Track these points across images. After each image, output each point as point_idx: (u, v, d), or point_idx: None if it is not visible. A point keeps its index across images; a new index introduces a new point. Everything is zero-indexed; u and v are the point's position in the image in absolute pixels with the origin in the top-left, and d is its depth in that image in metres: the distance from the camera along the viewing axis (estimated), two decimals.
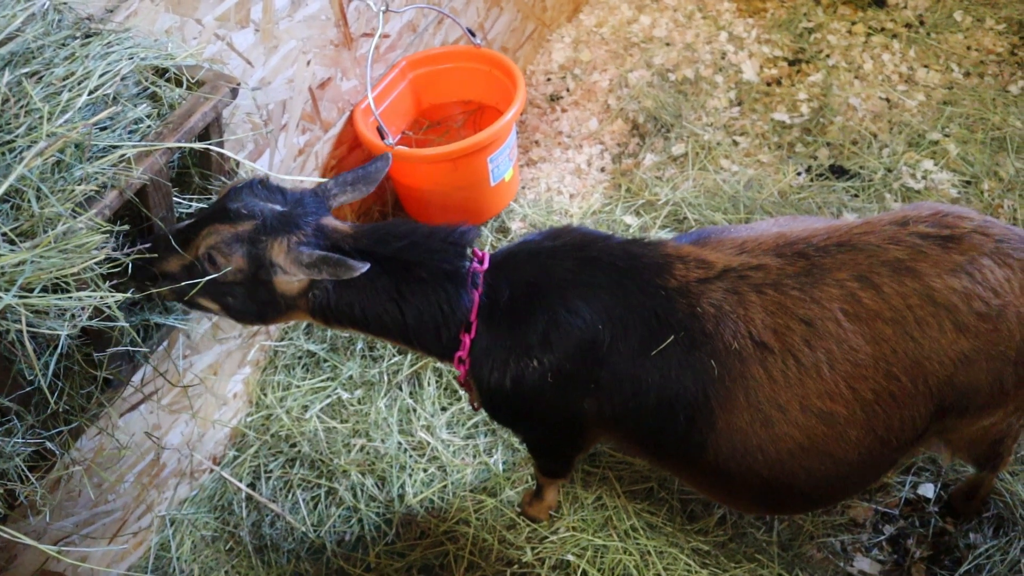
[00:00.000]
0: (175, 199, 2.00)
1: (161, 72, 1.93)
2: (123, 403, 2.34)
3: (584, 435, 2.21)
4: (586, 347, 1.94)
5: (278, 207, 1.90)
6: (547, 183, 3.60)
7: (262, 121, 2.60)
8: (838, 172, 3.48)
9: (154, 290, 1.90)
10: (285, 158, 2.76)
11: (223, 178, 2.03)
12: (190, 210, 2.05)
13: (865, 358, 1.82)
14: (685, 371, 1.89)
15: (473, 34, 3.12)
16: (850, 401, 1.83)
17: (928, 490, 2.64)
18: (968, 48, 3.95)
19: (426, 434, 2.90)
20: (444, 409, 2.97)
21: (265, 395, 2.96)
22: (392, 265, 1.94)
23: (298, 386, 2.98)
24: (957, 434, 2.04)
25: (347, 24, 2.84)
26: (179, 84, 1.92)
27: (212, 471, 2.84)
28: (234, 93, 1.95)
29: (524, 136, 3.80)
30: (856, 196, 3.37)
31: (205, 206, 2.06)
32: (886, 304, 1.81)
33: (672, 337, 1.88)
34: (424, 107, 3.36)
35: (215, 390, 2.77)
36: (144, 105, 1.86)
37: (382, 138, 2.88)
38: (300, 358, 3.04)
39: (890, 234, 1.85)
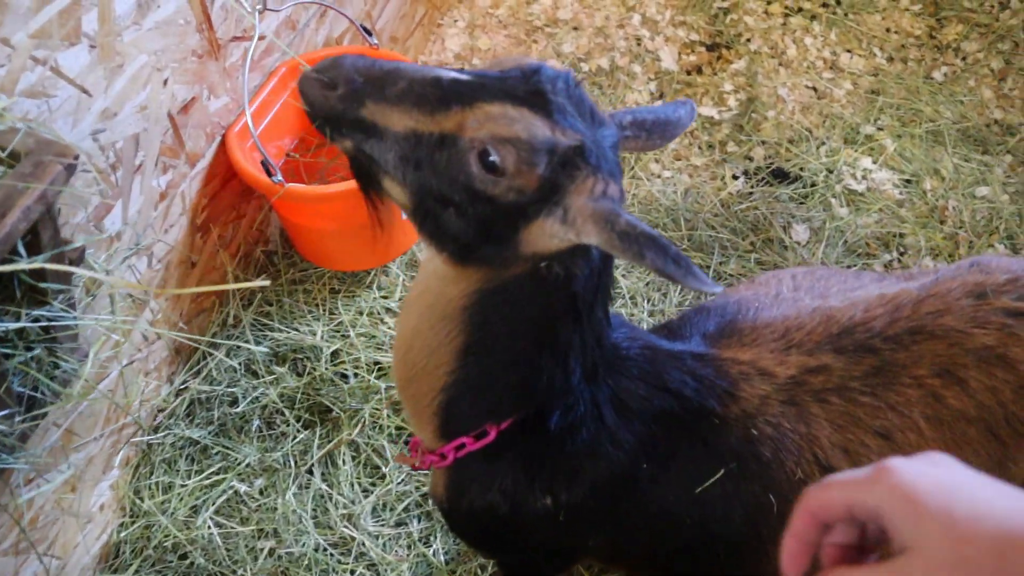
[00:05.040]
0: None
1: None
2: None
3: (575, 563, 1.80)
4: (617, 485, 1.52)
5: (588, 134, 1.22)
6: None
7: (109, 166, 1.96)
8: (780, 176, 3.18)
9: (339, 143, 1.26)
10: (143, 208, 2.13)
11: (61, 284, 1.44)
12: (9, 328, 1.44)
13: None
14: (733, 507, 1.50)
15: (369, 33, 2.56)
16: None
17: None
18: (887, 30, 3.74)
19: (348, 526, 2.40)
20: (367, 492, 2.47)
21: (141, 500, 2.35)
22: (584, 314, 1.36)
23: (183, 484, 2.39)
24: None
25: (212, 28, 2.21)
26: None
27: None
28: (70, 170, 1.35)
29: None
30: (802, 203, 3.08)
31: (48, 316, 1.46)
32: (972, 401, 1.48)
33: (722, 471, 1.48)
34: (311, 121, 2.76)
35: (75, 509, 2.15)
36: None
37: (266, 170, 2.29)
38: (182, 448, 2.44)
39: (970, 313, 1.51)
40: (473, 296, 1.33)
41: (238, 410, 2.50)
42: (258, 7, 2.21)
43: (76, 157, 1.30)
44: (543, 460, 1.50)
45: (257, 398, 2.52)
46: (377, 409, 2.55)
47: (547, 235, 1.23)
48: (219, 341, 2.57)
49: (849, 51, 3.65)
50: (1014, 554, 0.65)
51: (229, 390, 2.51)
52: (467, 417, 1.48)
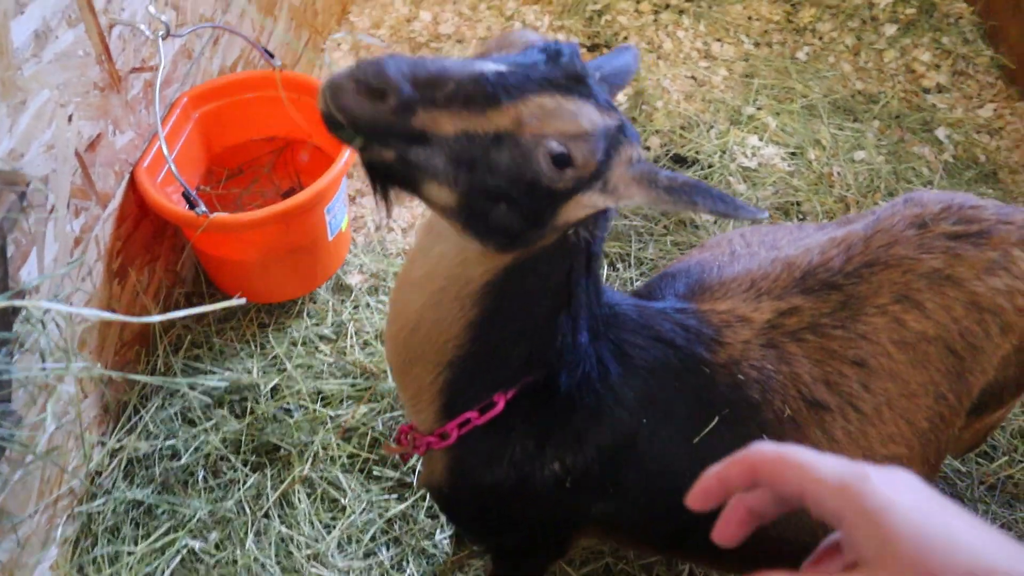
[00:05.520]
0: None
1: None
2: None
3: (574, 540, 1.79)
4: (621, 445, 1.52)
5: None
6: (374, 220, 3.05)
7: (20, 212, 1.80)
8: (679, 161, 3.31)
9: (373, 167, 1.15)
10: (59, 255, 1.97)
11: (5, 332, 1.30)
12: None
13: (916, 387, 1.60)
14: (730, 453, 1.54)
15: (272, 55, 2.48)
16: (909, 438, 1.61)
17: None
18: (749, 18, 3.99)
19: (316, 565, 2.28)
20: (329, 527, 2.36)
21: None
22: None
23: (130, 551, 2.20)
24: (968, 431, 1.91)
25: (111, 59, 2.08)
26: None
27: None
28: (23, 198, 1.23)
29: None
30: None
31: None
32: (930, 321, 1.59)
33: (717, 419, 1.52)
34: (217, 152, 2.64)
35: None
36: None
37: (188, 202, 2.17)
38: (125, 512, 2.25)
39: (916, 241, 1.63)
40: (499, 273, 1.31)
41: (180, 463, 2.34)
42: (160, 33, 2.10)
43: (27, 184, 1.19)
44: (553, 423, 1.49)
45: (199, 447, 2.36)
46: (327, 440, 2.45)
47: (583, 206, 1.24)
48: (190, 380, 2.40)
49: (719, 40, 3.86)
50: None
51: (168, 443, 2.35)
52: (475, 390, 1.45)
